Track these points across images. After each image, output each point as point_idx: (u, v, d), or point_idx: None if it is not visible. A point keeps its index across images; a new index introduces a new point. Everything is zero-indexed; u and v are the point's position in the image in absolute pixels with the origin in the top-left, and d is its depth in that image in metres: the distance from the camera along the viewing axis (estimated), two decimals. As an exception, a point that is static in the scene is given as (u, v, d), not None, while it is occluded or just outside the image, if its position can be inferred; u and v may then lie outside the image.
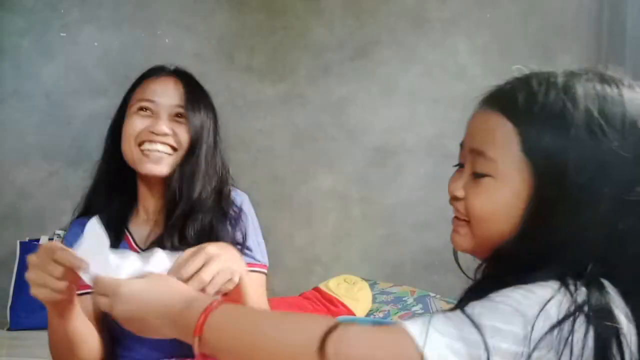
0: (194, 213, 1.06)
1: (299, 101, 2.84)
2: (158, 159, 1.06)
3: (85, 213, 1.13)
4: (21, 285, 2.61)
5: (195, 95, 1.12)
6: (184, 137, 1.08)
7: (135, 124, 1.07)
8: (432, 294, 2.31)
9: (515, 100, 0.59)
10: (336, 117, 2.81)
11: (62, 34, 2.86)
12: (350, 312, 2.14)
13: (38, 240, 2.71)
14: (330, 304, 2.21)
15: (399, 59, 2.81)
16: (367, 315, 2.20)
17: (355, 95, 2.83)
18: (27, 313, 2.52)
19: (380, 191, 2.81)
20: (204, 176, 1.08)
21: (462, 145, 0.66)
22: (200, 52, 2.84)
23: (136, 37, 2.87)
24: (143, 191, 1.12)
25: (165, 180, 1.08)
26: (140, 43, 2.86)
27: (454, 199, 0.65)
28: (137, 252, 0.99)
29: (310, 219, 2.80)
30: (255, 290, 0.97)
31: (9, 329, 2.51)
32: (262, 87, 2.83)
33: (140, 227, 1.13)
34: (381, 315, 2.18)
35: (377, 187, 2.81)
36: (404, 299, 2.27)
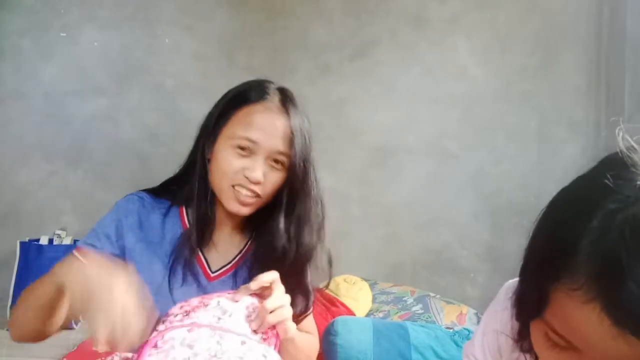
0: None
1: (299, 101, 2.83)
2: None
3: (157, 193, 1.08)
4: (21, 285, 2.61)
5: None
6: None
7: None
8: (432, 294, 2.30)
9: None
10: (336, 117, 2.80)
11: (62, 34, 2.86)
12: (350, 312, 2.13)
13: (38, 240, 2.71)
14: (330, 304, 2.19)
15: (399, 59, 2.81)
16: (367, 315, 2.19)
17: (355, 95, 2.83)
18: (27, 313, 2.52)
19: (380, 191, 2.81)
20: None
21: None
22: (200, 52, 2.84)
23: (136, 37, 2.87)
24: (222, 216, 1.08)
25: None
26: (140, 43, 2.86)
27: None
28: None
29: (310, 219, 2.79)
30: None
31: (8, 329, 2.51)
32: (262, 87, 2.83)
33: (210, 250, 1.08)
34: (381, 315, 2.17)
35: (377, 187, 2.81)
36: (404, 299, 2.27)
